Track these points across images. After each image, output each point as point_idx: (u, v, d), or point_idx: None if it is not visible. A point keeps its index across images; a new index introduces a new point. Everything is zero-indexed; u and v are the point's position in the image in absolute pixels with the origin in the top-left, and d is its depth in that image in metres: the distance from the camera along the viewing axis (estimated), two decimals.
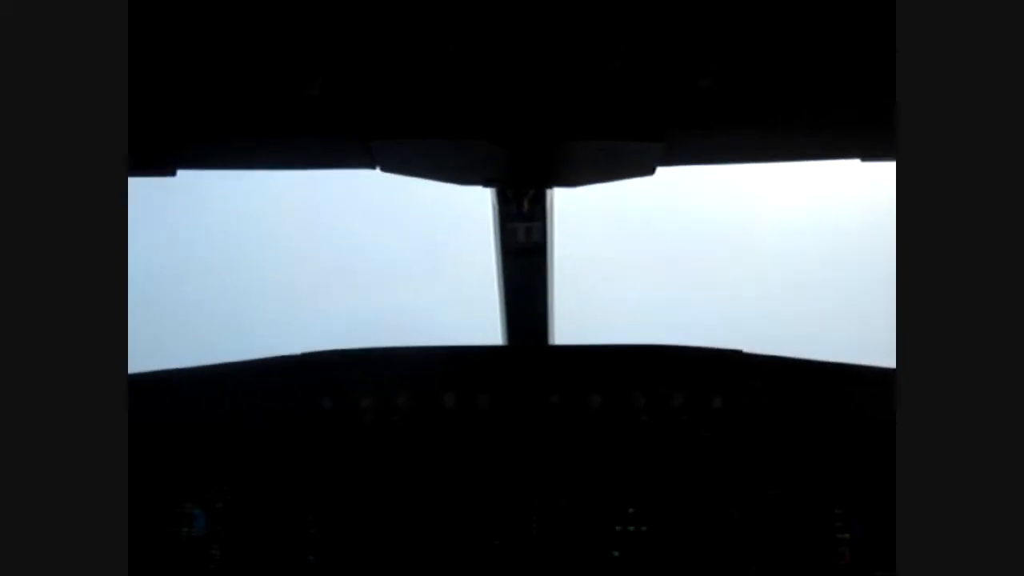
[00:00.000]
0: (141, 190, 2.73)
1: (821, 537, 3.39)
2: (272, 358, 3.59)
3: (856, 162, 2.75)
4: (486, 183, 2.98)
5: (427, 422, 3.50)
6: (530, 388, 3.52)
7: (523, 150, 2.67)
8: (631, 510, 3.44)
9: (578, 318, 4.06)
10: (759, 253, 4.91)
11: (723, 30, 2.22)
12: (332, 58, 2.34)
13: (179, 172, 2.74)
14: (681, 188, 3.72)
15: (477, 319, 4.04)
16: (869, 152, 2.71)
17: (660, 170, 2.79)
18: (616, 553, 3.43)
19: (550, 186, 3.07)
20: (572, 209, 3.45)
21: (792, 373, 3.51)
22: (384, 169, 2.77)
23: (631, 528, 3.44)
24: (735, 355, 3.56)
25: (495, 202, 3.21)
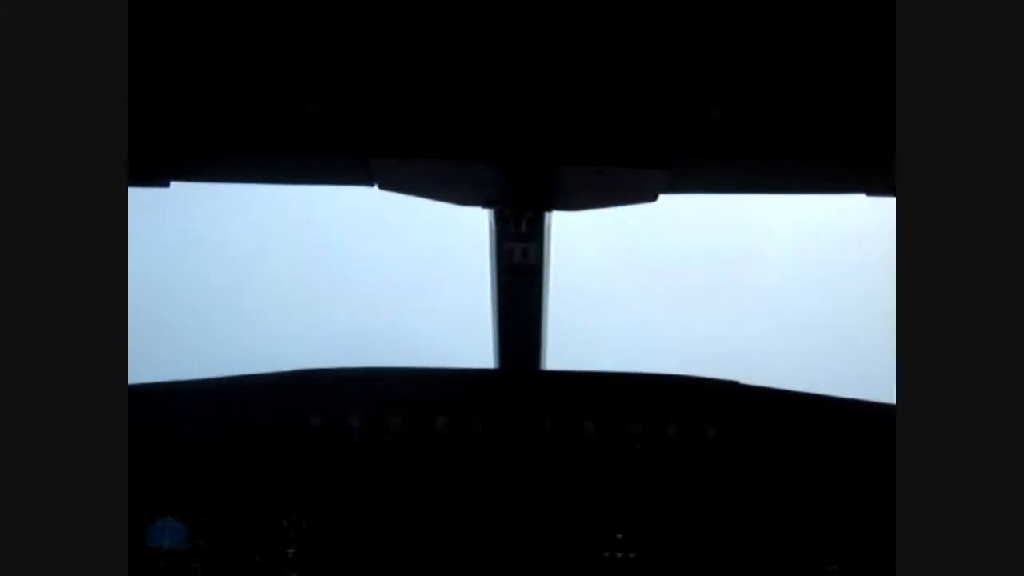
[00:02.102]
0: (132, 202, 2.71)
1: (809, 568, 3.37)
2: (262, 374, 3.56)
3: (861, 196, 2.76)
4: (485, 204, 2.96)
5: (416, 443, 3.47)
6: (523, 413, 3.49)
7: (523, 172, 2.66)
8: (619, 536, 3.41)
9: (571, 344, 4.03)
10: (759, 284, 4.90)
11: (735, 62, 2.21)
12: (333, 74, 2.32)
13: (173, 184, 2.73)
14: (681, 215, 3.69)
15: (470, 340, 4.01)
16: (874, 188, 2.71)
17: (661, 197, 2.78)
18: None
19: (550, 209, 3.05)
20: (569, 233, 3.43)
21: (787, 406, 3.50)
22: (382, 187, 2.75)
23: (619, 554, 3.41)
24: (731, 386, 3.54)
25: (492, 221, 3.19)
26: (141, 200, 2.65)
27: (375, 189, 2.77)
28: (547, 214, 3.13)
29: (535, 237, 3.15)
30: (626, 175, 2.58)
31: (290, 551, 3.41)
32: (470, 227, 3.34)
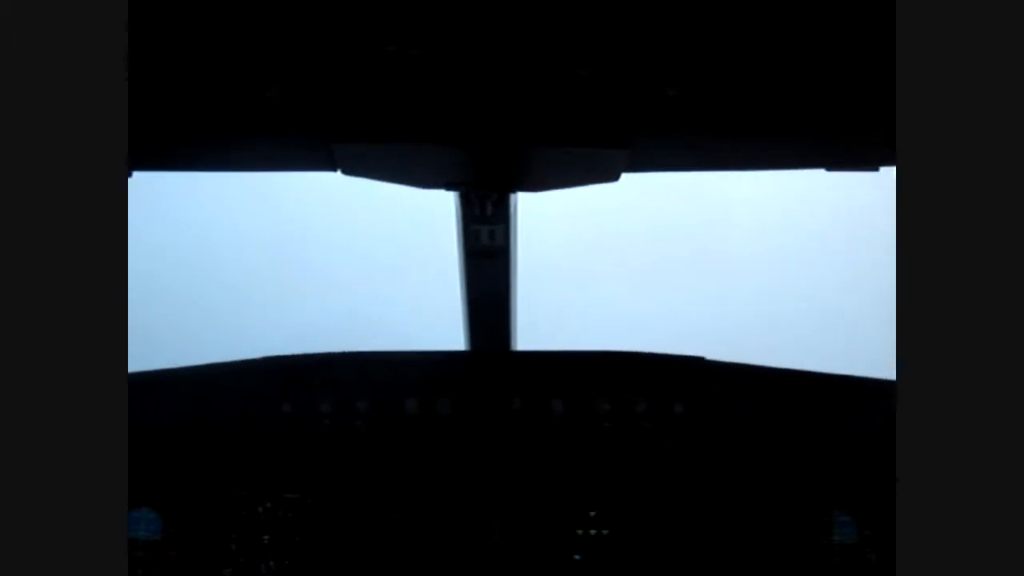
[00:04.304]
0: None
1: (779, 541, 3.41)
2: (232, 362, 3.54)
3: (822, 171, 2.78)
4: (449, 187, 2.96)
5: (388, 427, 3.48)
6: (492, 394, 3.51)
7: (487, 154, 2.65)
8: (592, 514, 3.43)
9: (541, 324, 4.04)
10: (727, 259, 4.93)
11: (690, 40, 2.21)
12: (292, 61, 2.30)
13: (135, 173, 2.71)
14: (647, 193, 3.71)
15: (439, 323, 4.02)
16: (833, 162, 2.74)
17: (627, 175, 2.79)
18: (577, 557, 3.42)
19: (514, 191, 3.05)
20: (537, 213, 3.43)
21: (753, 380, 3.53)
22: (345, 172, 2.74)
23: (592, 532, 3.44)
24: (697, 362, 3.57)
25: (458, 204, 3.18)
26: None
27: (338, 175, 2.76)
28: (512, 195, 3.13)
29: (501, 219, 3.15)
30: (586, 155, 2.59)
31: (265, 537, 3.41)
32: (436, 210, 3.34)
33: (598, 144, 2.52)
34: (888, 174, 2.75)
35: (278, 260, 4.93)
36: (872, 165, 2.75)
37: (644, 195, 3.86)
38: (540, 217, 3.52)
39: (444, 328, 3.90)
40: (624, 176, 2.79)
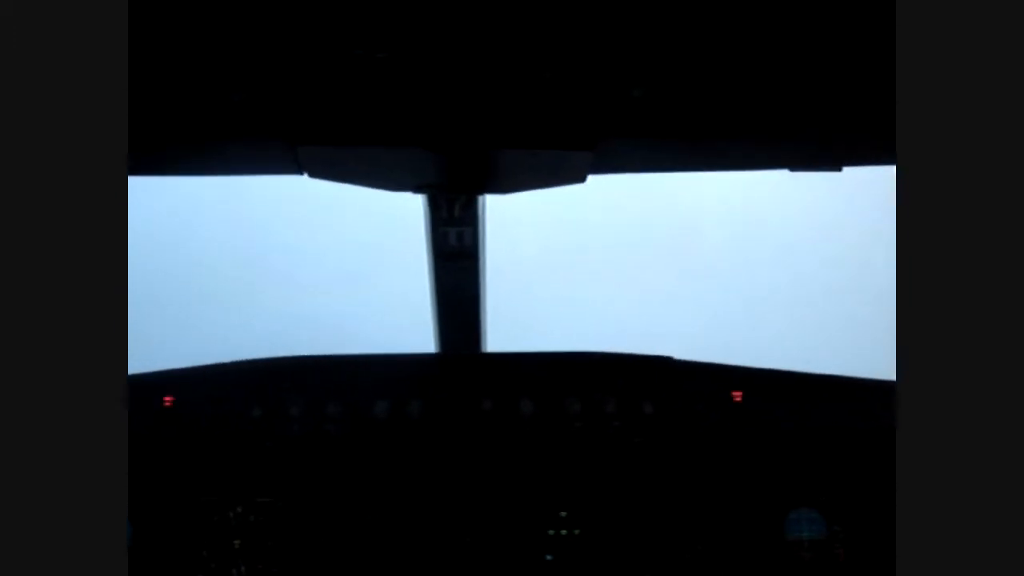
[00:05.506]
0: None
1: (746, 540, 3.44)
2: (200, 367, 3.53)
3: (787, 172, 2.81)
4: (417, 189, 2.96)
5: (359, 430, 3.47)
6: (463, 396, 3.51)
7: (454, 157, 2.66)
8: (564, 514, 3.45)
9: (513, 324, 4.05)
10: (700, 258, 4.96)
11: (655, 41, 2.22)
12: (256, 63, 2.29)
13: None
14: (618, 191, 3.73)
15: (409, 325, 4.02)
16: (797, 163, 2.77)
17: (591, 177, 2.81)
18: (549, 557, 3.43)
19: (481, 193, 3.06)
20: (506, 213, 3.44)
21: (721, 379, 3.55)
22: (312, 175, 2.74)
23: (564, 532, 3.45)
24: (665, 362, 3.59)
25: (427, 205, 3.19)
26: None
27: (305, 178, 2.75)
28: (480, 197, 3.14)
29: (469, 220, 3.16)
30: (552, 157, 2.60)
31: (236, 542, 3.40)
32: (405, 211, 3.34)
33: (563, 146, 2.53)
34: (850, 174, 2.80)
35: (245, 264, 4.91)
36: (836, 165, 2.78)
37: (615, 194, 3.88)
38: (509, 218, 3.53)
39: (414, 331, 3.90)
40: (592, 176, 2.81)
